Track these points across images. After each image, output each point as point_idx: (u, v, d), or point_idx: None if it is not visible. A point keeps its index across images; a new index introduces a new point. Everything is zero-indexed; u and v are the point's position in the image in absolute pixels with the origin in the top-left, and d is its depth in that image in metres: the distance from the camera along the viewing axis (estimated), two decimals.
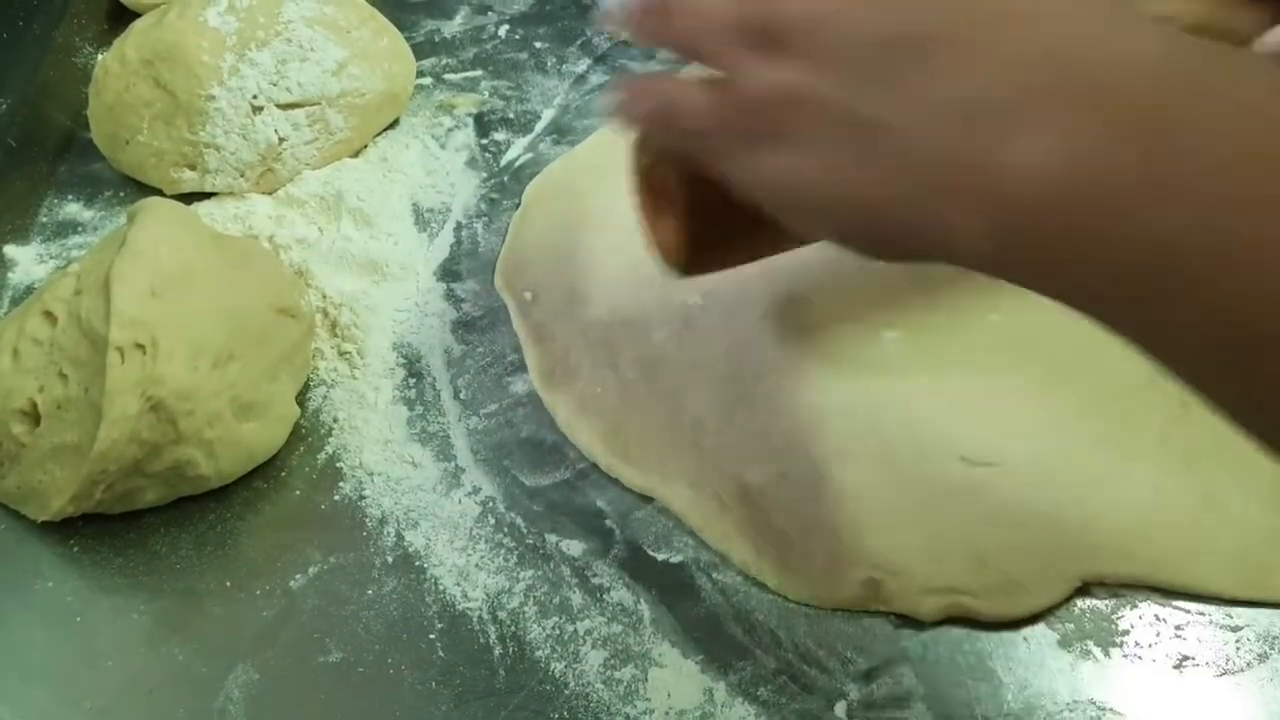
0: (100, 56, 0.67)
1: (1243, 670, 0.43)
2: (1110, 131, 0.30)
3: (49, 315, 0.47)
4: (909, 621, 0.44)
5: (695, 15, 0.39)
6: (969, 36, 0.33)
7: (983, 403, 0.49)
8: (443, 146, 0.63)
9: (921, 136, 0.33)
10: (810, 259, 0.53)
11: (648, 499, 0.48)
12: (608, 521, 0.47)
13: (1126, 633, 0.44)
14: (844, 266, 0.53)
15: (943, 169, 0.33)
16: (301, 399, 0.51)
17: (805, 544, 0.45)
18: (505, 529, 0.47)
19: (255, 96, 0.58)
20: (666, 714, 0.42)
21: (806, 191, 0.36)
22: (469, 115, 0.65)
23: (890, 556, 0.45)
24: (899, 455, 0.48)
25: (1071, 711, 0.42)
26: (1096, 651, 0.43)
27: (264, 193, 0.59)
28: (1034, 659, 0.43)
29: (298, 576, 0.46)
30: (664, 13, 0.40)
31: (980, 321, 0.52)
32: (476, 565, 0.46)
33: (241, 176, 0.59)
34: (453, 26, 0.71)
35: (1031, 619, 0.44)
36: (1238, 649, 0.43)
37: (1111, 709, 0.42)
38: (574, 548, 0.47)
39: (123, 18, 0.66)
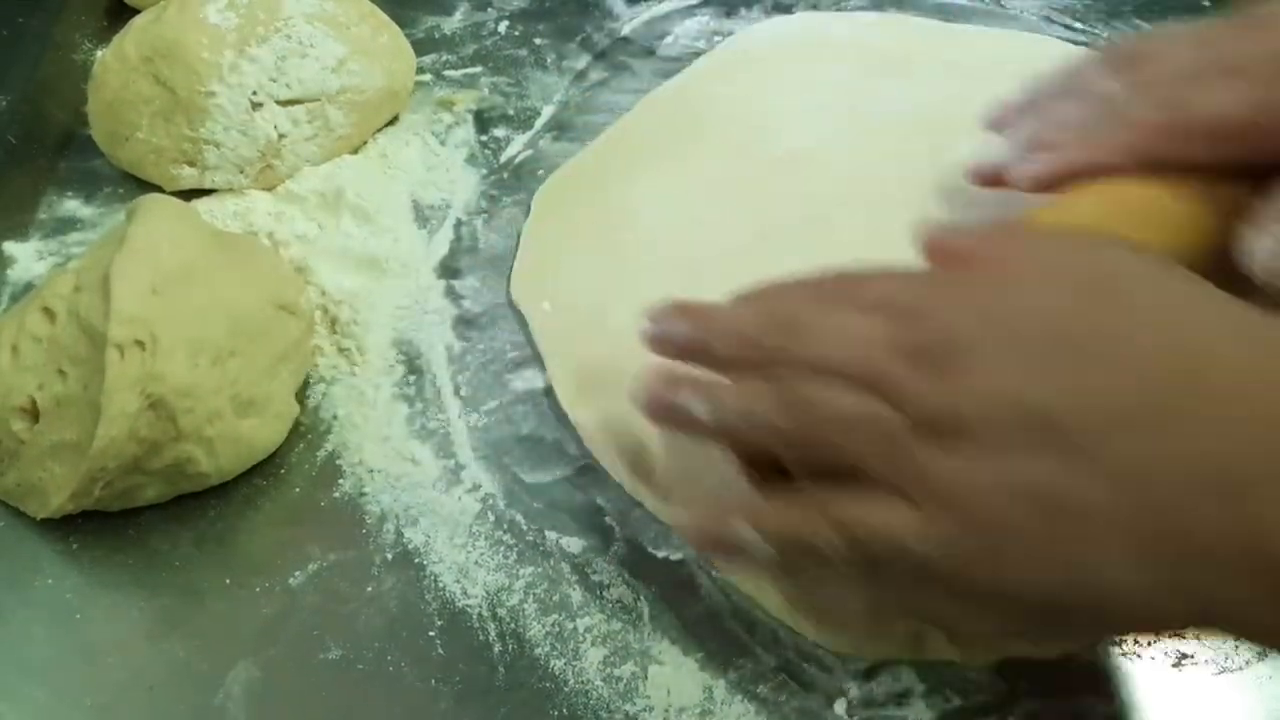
0: (99, 53, 0.67)
1: (1241, 669, 0.43)
2: None
3: (48, 312, 0.47)
4: None
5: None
6: (1175, 403, 0.31)
7: None
8: (442, 143, 0.63)
9: (1180, 508, 0.30)
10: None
11: None
12: (608, 519, 0.47)
13: None
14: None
15: (1208, 534, 0.30)
16: (301, 396, 0.51)
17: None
18: (505, 526, 0.47)
19: (255, 93, 0.58)
20: (666, 711, 0.42)
21: (1053, 602, 0.32)
22: (469, 112, 0.65)
23: None
24: None
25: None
26: (1095, 649, 0.43)
27: (263, 189, 0.59)
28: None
29: (297, 573, 0.46)
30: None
31: None
32: (476, 562, 0.46)
33: (241, 173, 0.59)
34: (452, 23, 0.71)
35: None
36: (1236, 647, 0.43)
37: (1110, 706, 0.42)
38: (574, 545, 0.47)
39: (122, 14, 0.66)
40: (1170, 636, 0.43)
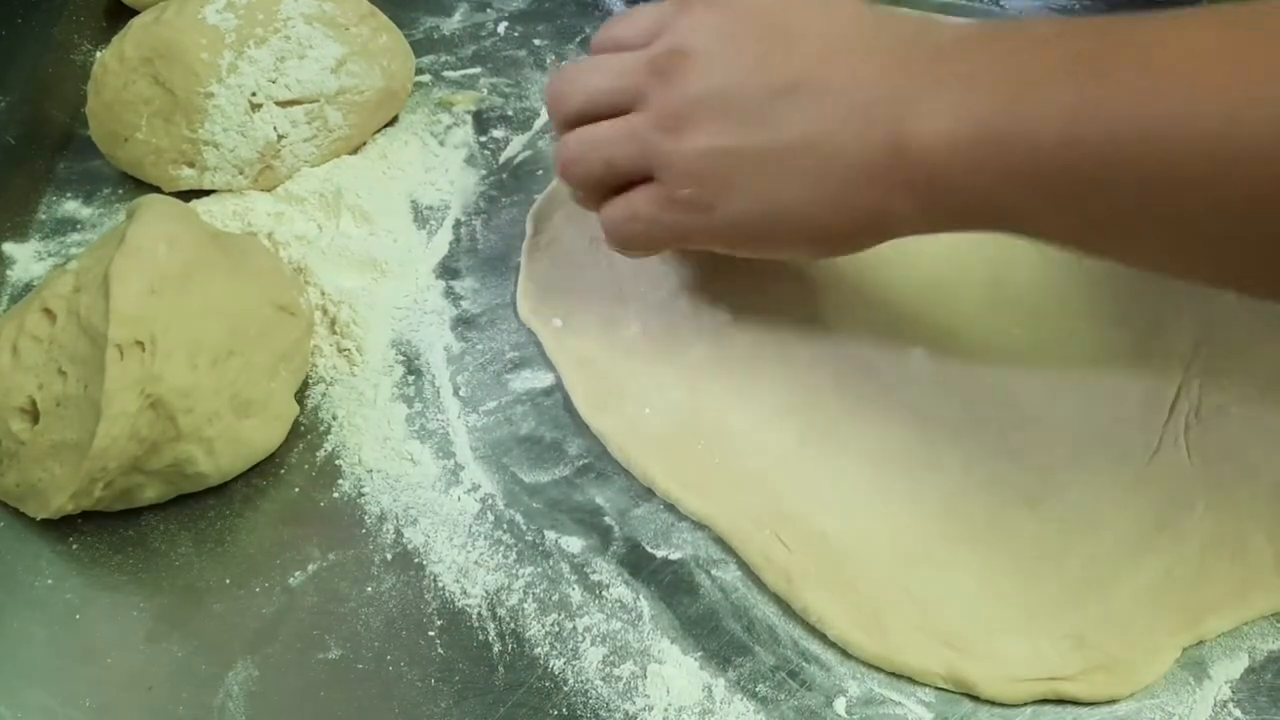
0: (99, 54, 0.67)
1: None
2: (971, 89, 0.39)
3: (48, 312, 0.47)
4: None
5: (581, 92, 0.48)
6: (825, 73, 0.42)
7: (1035, 432, 0.48)
8: (441, 144, 0.63)
9: (835, 144, 0.41)
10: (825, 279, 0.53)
11: (646, 495, 0.48)
12: (607, 518, 0.47)
13: None
14: (861, 284, 0.54)
15: (861, 160, 0.40)
16: (300, 396, 0.51)
17: (875, 600, 0.43)
18: (504, 526, 0.47)
19: (254, 94, 0.58)
20: (666, 710, 0.42)
21: (760, 228, 0.44)
22: (468, 112, 0.65)
23: (973, 634, 0.43)
24: (965, 501, 0.46)
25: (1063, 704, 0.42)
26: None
27: (263, 190, 0.59)
28: None
29: (297, 573, 0.46)
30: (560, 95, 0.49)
31: (1004, 335, 0.51)
32: (475, 562, 0.46)
33: (240, 174, 0.59)
34: (452, 24, 0.71)
35: None
36: None
37: None
38: (573, 545, 0.47)
39: (121, 15, 0.66)
40: None
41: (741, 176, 0.43)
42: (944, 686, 0.42)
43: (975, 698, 0.42)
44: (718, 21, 0.45)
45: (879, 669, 0.43)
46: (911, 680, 0.42)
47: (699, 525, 0.47)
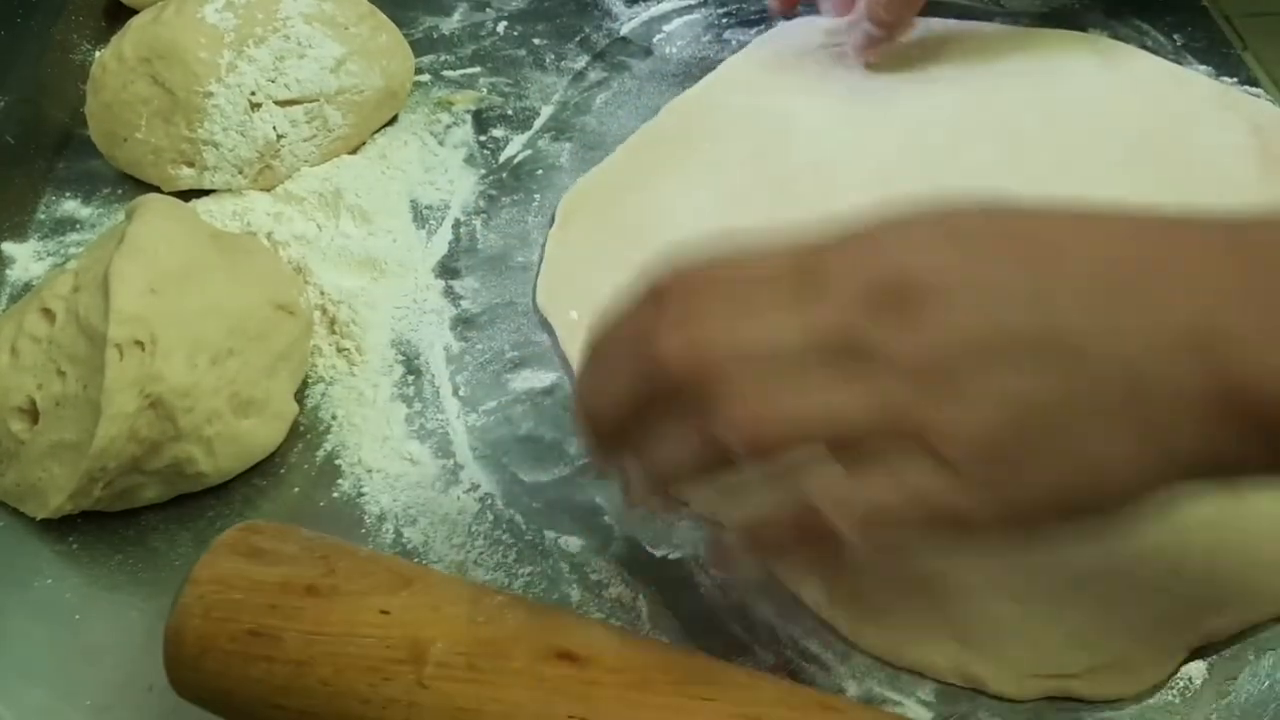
0: (98, 54, 0.67)
1: None
2: None
3: (47, 312, 0.47)
4: None
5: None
6: (1116, 303, 0.33)
7: None
8: (441, 143, 0.63)
9: (1146, 383, 0.32)
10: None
11: None
12: (606, 518, 0.47)
13: None
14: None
15: (1184, 399, 0.32)
16: (300, 396, 0.51)
17: (884, 595, 0.43)
18: (504, 525, 0.47)
19: (253, 93, 0.58)
20: None
21: (1064, 498, 0.34)
22: (467, 112, 0.65)
23: (979, 630, 0.42)
24: None
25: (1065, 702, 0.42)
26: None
27: (262, 190, 0.59)
28: None
29: None
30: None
31: None
32: (475, 562, 0.46)
33: (240, 173, 0.59)
34: (451, 23, 0.71)
35: None
36: None
37: None
38: (572, 544, 0.47)
39: (121, 15, 0.66)
40: None
41: (1048, 437, 0.33)
42: (952, 681, 0.42)
43: (975, 695, 0.42)
44: (954, 246, 0.34)
45: (880, 667, 0.43)
46: (912, 678, 0.42)
47: (699, 524, 0.47)
